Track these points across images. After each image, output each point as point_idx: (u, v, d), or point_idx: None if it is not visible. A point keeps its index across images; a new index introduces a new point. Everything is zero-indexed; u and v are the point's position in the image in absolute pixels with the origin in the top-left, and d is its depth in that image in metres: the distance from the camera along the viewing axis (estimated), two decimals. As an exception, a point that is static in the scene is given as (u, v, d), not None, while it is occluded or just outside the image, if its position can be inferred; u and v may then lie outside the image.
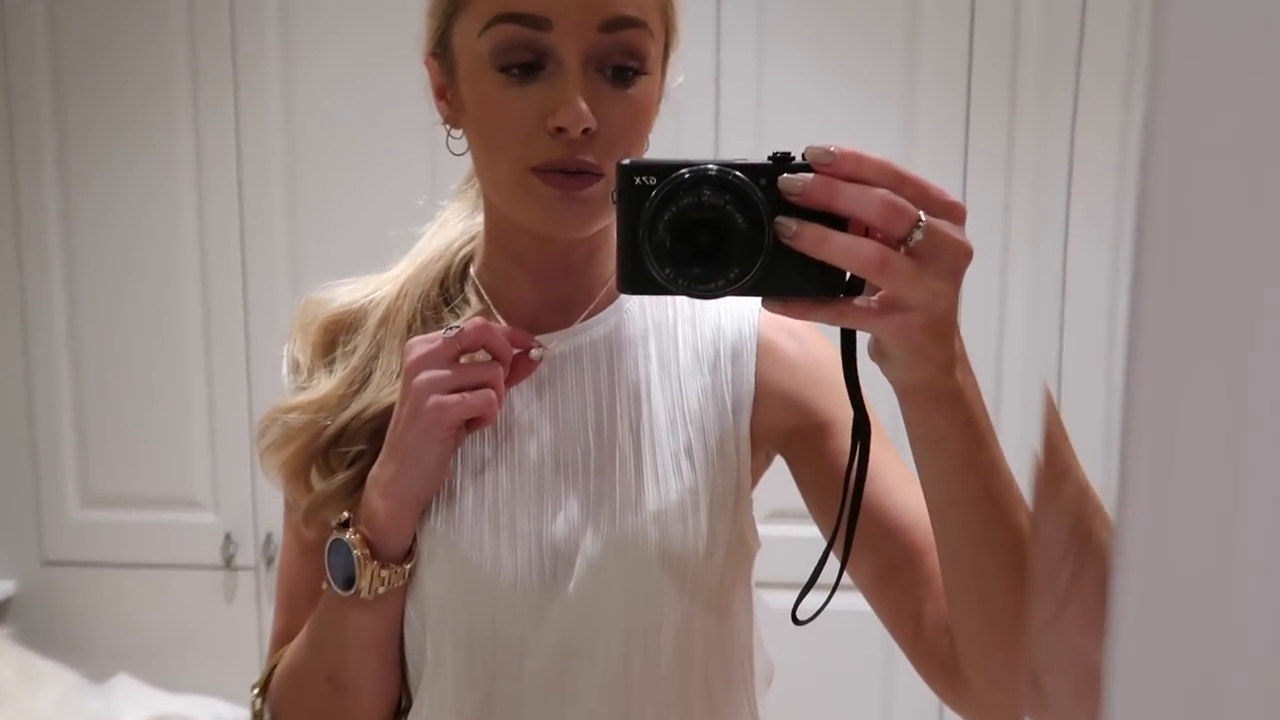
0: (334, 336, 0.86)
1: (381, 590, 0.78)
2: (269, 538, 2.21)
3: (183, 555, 2.24)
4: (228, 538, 2.22)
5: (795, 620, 0.72)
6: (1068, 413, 2.04)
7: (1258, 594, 0.25)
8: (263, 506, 2.20)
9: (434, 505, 0.80)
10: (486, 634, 0.78)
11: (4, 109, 2.18)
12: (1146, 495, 0.26)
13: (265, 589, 2.23)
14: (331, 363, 0.85)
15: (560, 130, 0.72)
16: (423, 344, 0.76)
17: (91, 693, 2.10)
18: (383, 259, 0.91)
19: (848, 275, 0.58)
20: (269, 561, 2.21)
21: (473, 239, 0.88)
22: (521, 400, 0.83)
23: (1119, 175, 1.98)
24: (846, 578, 0.73)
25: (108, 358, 2.23)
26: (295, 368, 0.86)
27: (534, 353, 0.79)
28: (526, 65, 0.73)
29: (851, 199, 0.55)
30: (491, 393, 0.76)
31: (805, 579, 0.72)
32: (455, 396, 0.74)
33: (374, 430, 0.80)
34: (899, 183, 0.55)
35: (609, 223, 0.78)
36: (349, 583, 0.77)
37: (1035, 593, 0.62)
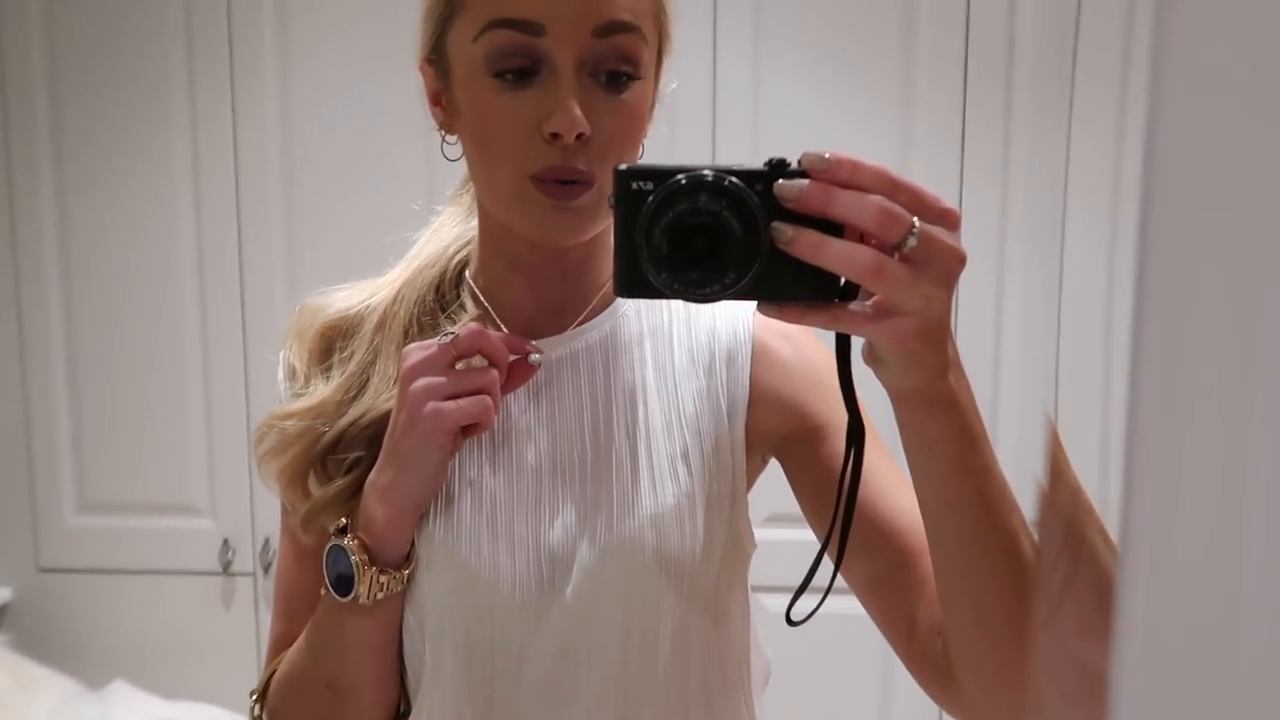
0: (330, 342, 0.86)
1: (380, 596, 0.78)
2: (266, 543, 2.20)
3: (180, 561, 2.23)
4: (225, 543, 2.21)
5: (789, 621, 0.72)
6: (1063, 417, 2.04)
7: (1263, 596, 0.25)
8: (260, 512, 2.20)
9: (432, 511, 0.80)
10: (485, 640, 0.79)
11: (0, 114, 2.18)
12: (1151, 499, 0.26)
13: (263, 594, 2.22)
14: (328, 369, 0.85)
15: (555, 136, 0.72)
16: (419, 350, 0.77)
17: (88, 700, 2.09)
18: (380, 264, 0.91)
19: (842, 280, 0.58)
20: (267, 567, 2.20)
21: (468, 244, 0.88)
22: (518, 405, 0.83)
23: (1115, 180, 1.99)
24: (841, 580, 0.74)
25: (104, 363, 2.23)
26: (292, 374, 0.86)
27: (532, 358, 0.79)
28: (521, 71, 0.73)
29: (847, 205, 0.55)
30: (488, 399, 0.76)
31: (802, 582, 0.72)
32: (452, 403, 0.75)
33: (372, 436, 0.80)
34: (894, 189, 0.56)
35: (604, 228, 0.79)
36: (347, 588, 0.77)
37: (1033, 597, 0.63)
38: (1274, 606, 0.25)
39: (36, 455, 2.26)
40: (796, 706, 2.05)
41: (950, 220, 0.57)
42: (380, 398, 0.81)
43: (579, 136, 0.72)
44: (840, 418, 0.76)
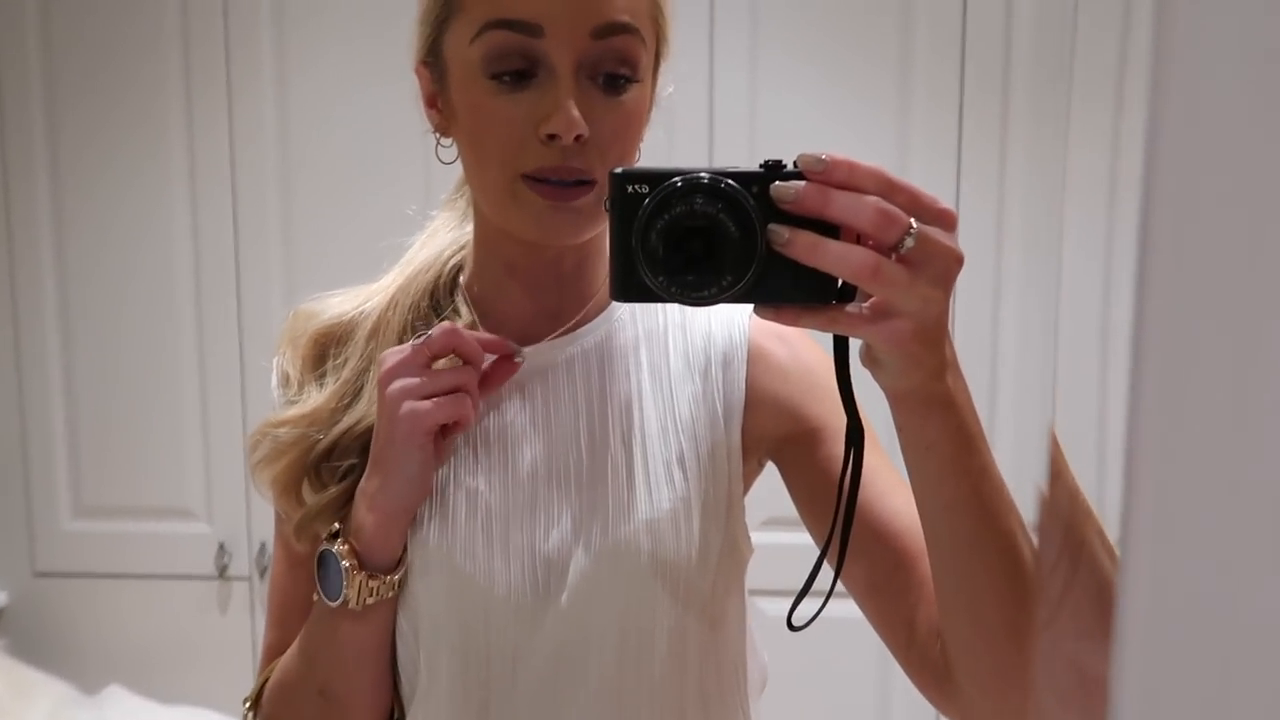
0: (324, 349, 0.86)
1: (370, 601, 0.77)
2: (263, 547, 2.20)
3: (176, 565, 2.23)
4: (221, 547, 2.21)
5: (791, 626, 0.72)
6: (1061, 418, 2.04)
7: (1264, 600, 0.25)
8: (256, 516, 2.19)
9: (426, 517, 0.80)
10: (480, 646, 0.78)
11: (-2, 119, 2.19)
12: (1152, 503, 0.26)
13: (259, 599, 2.22)
14: (322, 376, 0.85)
15: (552, 137, 0.72)
16: (394, 354, 0.76)
17: (84, 705, 2.08)
18: (377, 270, 0.91)
19: (840, 282, 0.58)
20: (263, 571, 2.20)
21: (462, 248, 0.88)
22: (513, 410, 0.83)
23: (1111, 184, 1.99)
24: (839, 584, 0.73)
25: (100, 368, 2.22)
26: (285, 381, 0.86)
27: (516, 358, 0.79)
28: (518, 72, 0.73)
29: (844, 206, 0.55)
30: (465, 396, 0.75)
31: (800, 586, 0.72)
32: (427, 402, 0.74)
33: (365, 444, 0.80)
34: (890, 190, 0.56)
35: (599, 231, 0.78)
36: (337, 593, 0.77)
37: (1032, 599, 0.63)
38: (1275, 610, 0.25)
39: (32, 459, 2.25)
40: (794, 710, 2.05)
41: (947, 221, 0.57)
42: (374, 405, 0.80)
43: (577, 138, 0.72)
44: (837, 420, 0.76)
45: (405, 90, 0.84)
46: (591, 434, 0.81)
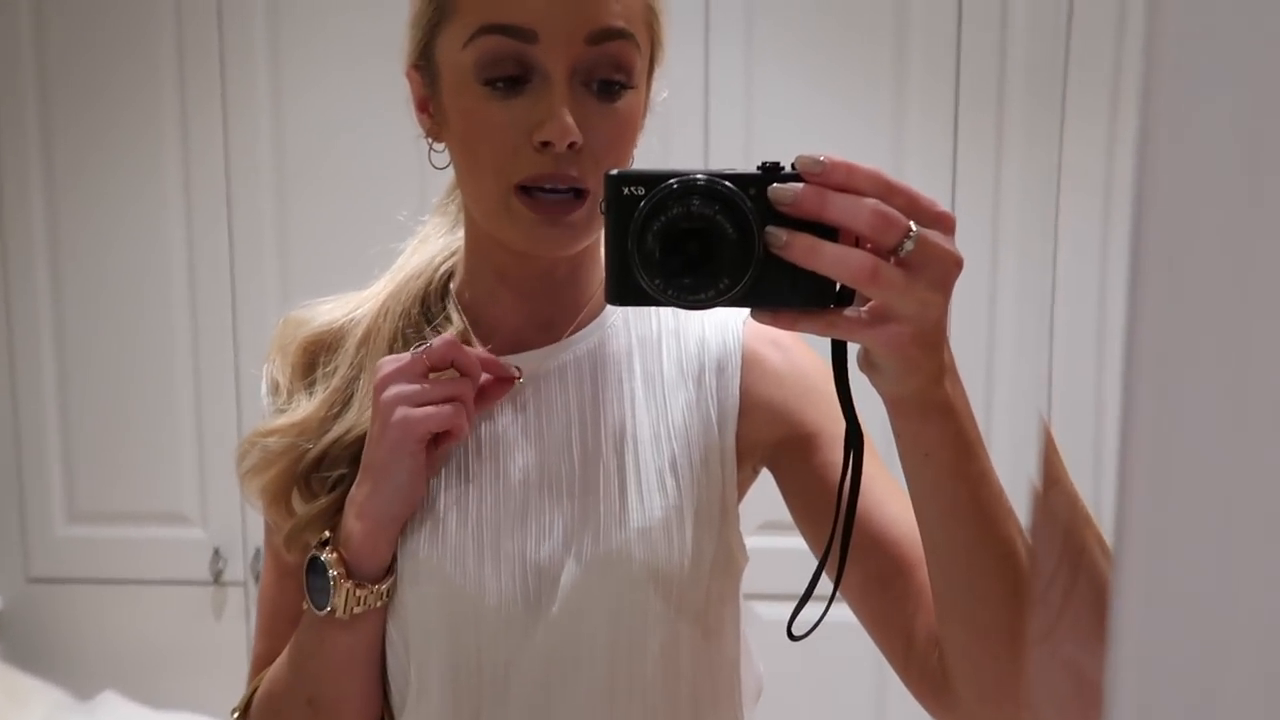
0: (314, 357, 0.85)
1: (358, 610, 0.77)
2: (258, 553, 2.19)
3: (171, 571, 2.22)
4: (216, 553, 2.20)
5: (791, 636, 0.71)
6: (1057, 423, 2.04)
7: (1260, 606, 0.25)
8: (252, 521, 2.18)
9: (416, 526, 0.79)
10: (471, 656, 0.77)
11: (-10, 123, 2.18)
12: (1146, 507, 0.26)
13: (254, 604, 2.20)
14: (312, 384, 0.84)
15: (546, 145, 0.71)
16: (391, 362, 0.76)
17: (78, 711, 2.08)
18: (373, 277, 0.90)
19: (838, 285, 0.57)
20: (258, 576, 2.18)
21: (453, 254, 0.87)
22: (505, 418, 0.82)
23: (1106, 185, 1.99)
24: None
25: (94, 372, 2.21)
26: (275, 389, 0.85)
27: (513, 372, 0.79)
28: (512, 78, 0.72)
29: (842, 209, 0.54)
30: (460, 407, 0.75)
31: (796, 590, 0.72)
32: (422, 410, 0.74)
33: (355, 454, 0.79)
34: (889, 192, 0.55)
35: (594, 239, 0.78)
36: (325, 602, 0.76)
37: (1030, 606, 0.62)
38: (1271, 616, 0.24)
39: (26, 464, 2.24)
40: (789, 716, 2.05)
41: (946, 224, 0.56)
42: (364, 414, 0.80)
43: (571, 145, 0.71)
44: (833, 425, 0.75)
45: (401, 94, 0.83)
46: (584, 442, 0.80)
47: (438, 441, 0.76)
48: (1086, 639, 0.50)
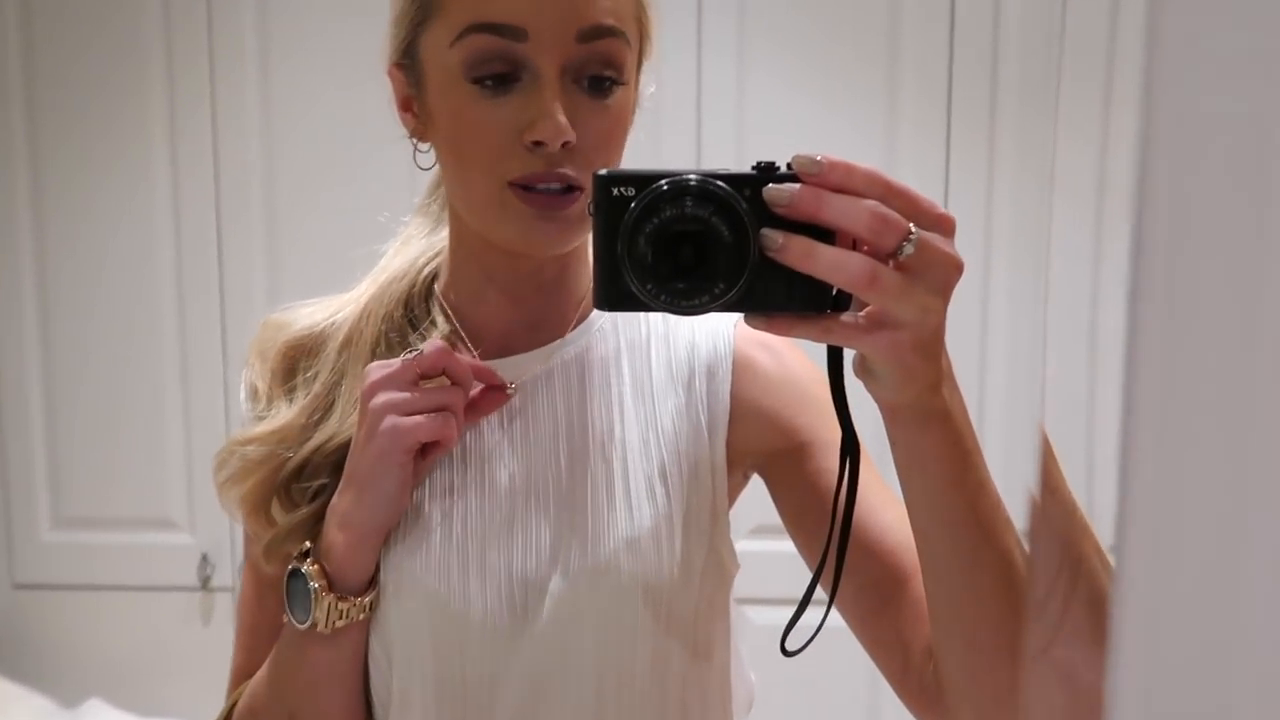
0: (294, 362, 0.83)
1: (340, 623, 0.75)
2: (246, 558, 2.17)
3: (158, 577, 2.20)
4: (204, 558, 2.19)
5: (785, 652, 0.70)
6: (1051, 427, 2.03)
7: (1263, 613, 0.24)
8: (240, 527, 2.17)
9: (400, 538, 0.77)
10: (456, 670, 0.76)
11: (-25, 123, 2.16)
12: (1147, 519, 0.26)
13: (241, 611, 2.19)
14: (292, 390, 0.82)
15: (538, 144, 0.70)
16: (380, 368, 0.74)
17: (63, 719, 2.06)
18: (358, 280, 0.89)
19: (835, 290, 0.56)
20: (245, 583, 2.18)
21: (437, 255, 0.86)
22: (491, 425, 0.80)
23: (1099, 188, 1.99)
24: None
25: (80, 376, 2.20)
26: (254, 395, 0.83)
27: (509, 389, 0.77)
28: (501, 77, 0.71)
29: (840, 211, 0.53)
30: (450, 416, 0.73)
31: (788, 594, 0.70)
32: (411, 419, 0.72)
33: (337, 462, 0.77)
34: (888, 194, 0.54)
35: (584, 239, 0.77)
36: (306, 615, 0.75)
37: (1029, 618, 0.61)
38: (1273, 628, 0.24)
39: (11, 469, 2.22)
40: (784, 722, 2.04)
41: (946, 226, 0.55)
42: (346, 421, 0.78)
43: (564, 144, 0.70)
44: (826, 432, 0.74)
45: (389, 92, 0.82)
46: (571, 449, 0.79)
47: (425, 451, 0.75)
48: (1085, 650, 0.49)
